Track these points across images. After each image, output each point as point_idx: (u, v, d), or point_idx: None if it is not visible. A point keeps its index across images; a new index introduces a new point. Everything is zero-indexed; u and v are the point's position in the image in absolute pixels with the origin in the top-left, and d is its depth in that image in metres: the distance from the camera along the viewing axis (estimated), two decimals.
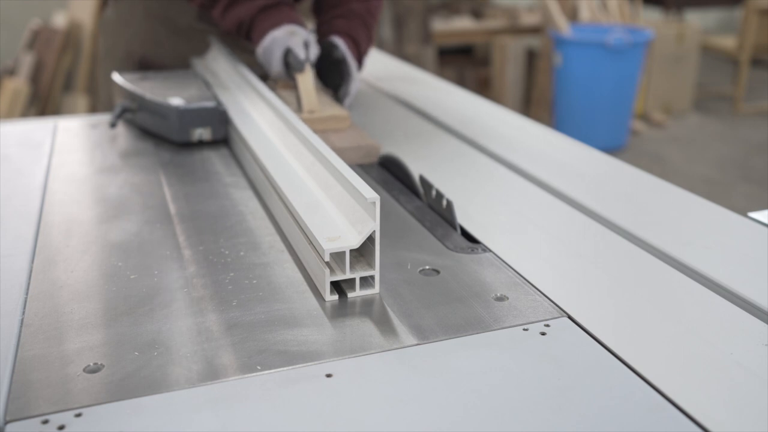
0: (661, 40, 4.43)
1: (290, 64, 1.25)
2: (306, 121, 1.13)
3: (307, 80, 1.24)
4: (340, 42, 1.36)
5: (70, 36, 3.60)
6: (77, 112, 3.52)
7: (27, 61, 3.53)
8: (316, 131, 1.01)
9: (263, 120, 1.12)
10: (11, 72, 3.58)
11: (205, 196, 1.00)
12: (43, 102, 3.53)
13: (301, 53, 1.25)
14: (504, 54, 4.38)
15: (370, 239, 0.73)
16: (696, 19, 5.13)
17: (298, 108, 1.22)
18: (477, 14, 4.59)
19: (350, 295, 0.74)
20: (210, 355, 0.64)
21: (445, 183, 1.03)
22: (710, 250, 0.85)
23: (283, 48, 1.25)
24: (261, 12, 1.30)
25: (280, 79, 1.32)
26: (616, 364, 0.63)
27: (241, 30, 1.32)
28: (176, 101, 1.18)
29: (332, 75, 1.35)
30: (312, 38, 1.29)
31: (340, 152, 1.01)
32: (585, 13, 4.26)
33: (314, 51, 1.28)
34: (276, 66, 1.28)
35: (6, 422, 0.55)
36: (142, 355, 0.64)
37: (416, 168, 1.07)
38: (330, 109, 1.24)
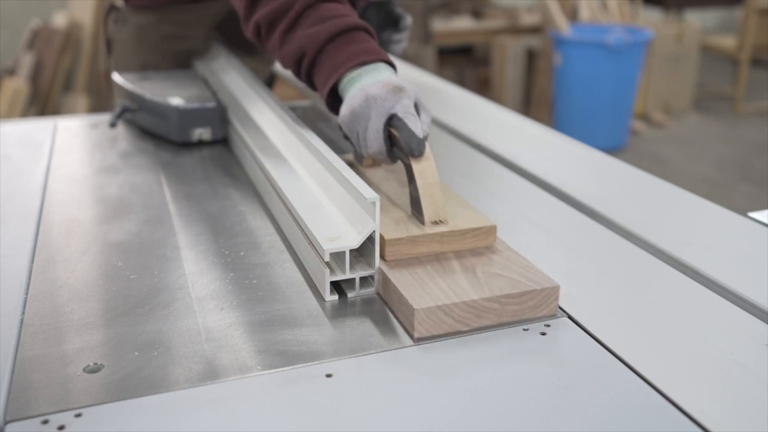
0: (660, 40, 4.43)
1: (401, 143, 0.80)
2: (429, 238, 0.76)
3: (428, 170, 0.80)
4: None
5: (70, 36, 3.60)
6: (77, 112, 3.52)
7: (27, 61, 3.53)
8: (444, 254, 0.76)
9: (263, 120, 1.11)
10: (11, 72, 3.58)
11: (205, 196, 1.00)
12: (43, 102, 3.53)
13: (417, 127, 0.81)
14: (504, 54, 4.38)
15: (370, 239, 0.73)
16: (696, 19, 5.13)
17: (415, 213, 0.80)
18: (477, 14, 4.59)
19: (350, 294, 0.74)
20: (210, 355, 0.64)
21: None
22: (710, 250, 0.85)
23: (385, 115, 0.82)
24: (331, 42, 0.89)
25: (375, 159, 0.87)
26: (616, 364, 0.63)
27: (301, 67, 0.92)
28: (176, 101, 1.18)
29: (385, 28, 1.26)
30: (420, 98, 0.87)
31: (497, 302, 0.68)
32: (585, 12, 4.26)
33: (427, 118, 0.87)
34: (375, 143, 0.83)
35: (6, 422, 0.55)
36: (142, 355, 0.64)
37: None
38: (466, 216, 0.80)
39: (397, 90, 0.83)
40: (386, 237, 0.74)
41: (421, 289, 0.69)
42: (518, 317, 0.70)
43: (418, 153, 0.79)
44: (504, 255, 0.76)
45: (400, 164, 0.85)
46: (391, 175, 0.93)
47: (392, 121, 0.82)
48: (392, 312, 0.72)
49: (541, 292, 0.70)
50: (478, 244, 0.78)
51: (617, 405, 0.58)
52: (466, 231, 0.77)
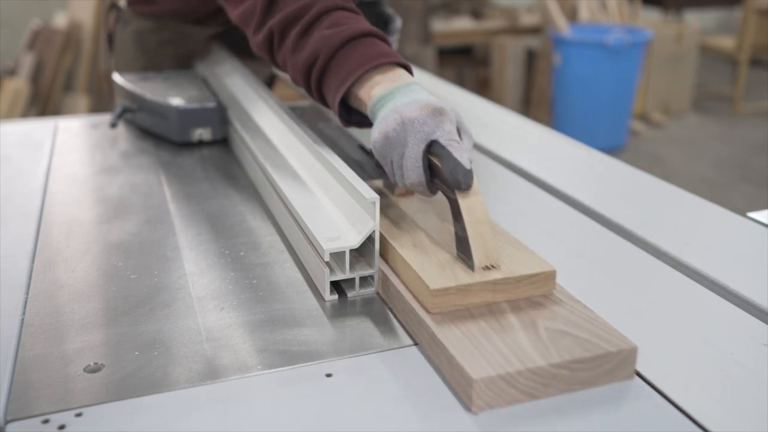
0: (660, 41, 4.43)
1: (445, 175, 0.71)
2: (480, 286, 0.66)
3: (477, 206, 0.70)
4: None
5: (71, 36, 3.60)
6: (77, 112, 3.52)
7: (27, 61, 3.53)
8: (497, 303, 0.66)
9: (263, 120, 1.12)
10: (12, 72, 3.58)
11: (205, 196, 1.00)
12: (43, 102, 3.53)
13: (462, 156, 0.72)
14: (503, 54, 4.38)
15: (370, 239, 0.74)
16: (695, 20, 5.13)
17: (461, 255, 0.70)
18: (476, 14, 4.59)
19: (350, 294, 0.74)
20: (210, 355, 0.64)
21: None
22: (710, 250, 0.85)
23: (425, 141, 0.73)
24: (345, 45, 0.82)
25: (413, 189, 0.77)
26: None
27: (312, 74, 0.85)
28: (176, 101, 1.19)
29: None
30: (462, 121, 0.78)
31: (567, 368, 0.58)
32: (584, 13, 4.26)
33: (469, 143, 0.78)
34: (414, 173, 0.74)
35: (6, 422, 0.55)
36: (142, 354, 0.64)
37: None
38: (520, 259, 0.70)
39: (437, 113, 0.74)
40: (432, 286, 0.64)
41: (477, 352, 0.59)
42: (589, 385, 0.59)
43: (465, 186, 0.69)
44: (567, 306, 0.66)
45: (438, 194, 0.76)
46: (428, 206, 0.83)
47: (433, 148, 0.73)
48: (392, 313, 0.72)
49: (618, 355, 0.60)
50: (535, 291, 0.68)
51: (617, 405, 0.58)
52: (522, 277, 0.67)
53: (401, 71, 0.81)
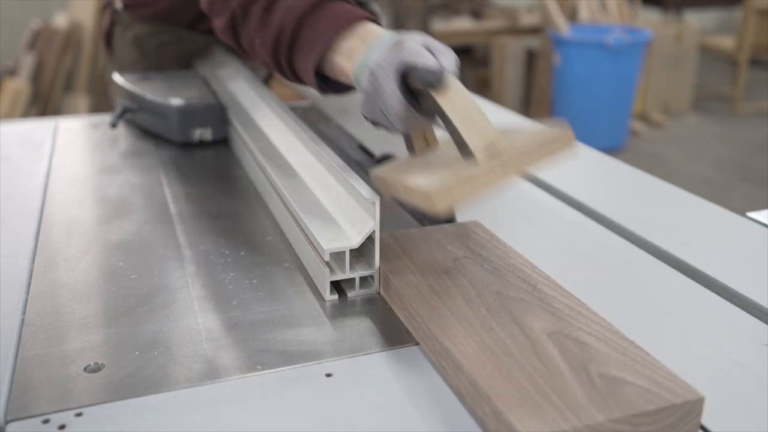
0: (659, 41, 4.43)
1: (419, 85, 0.70)
2: (485, 169, 0.64)
3: (458, 98, 0.67)
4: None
5: (71, 36, 3.60)
6: (78, 112, 3.52)
7: (28, 62, 3.53)
8: (543, 346, 0.59)
9: (264, 120, 1.12)
10: (12, 72, 3.58)
11: (205, 196, 1.00)
12: (43, 102, 3.53)
13: (429, 60, 0.71)
14: (503, 54, 4.38)
15: (370, 239, 0.74)
16: (695, 20, 5.13)
17: (461, 149, 0.66)
18: (476, 14, 4.59)
19: (350, 294, 0.74)
20: (210, 355, 0.64)
21: None
22: (709, 250, 0.85)
23: (393, 72, 0.71)
24: (310, 13, 0.80)
25: (412, 131, 0.78)
26: None
27: (280, 49, 0.82)
28: (176, 101, 1.19)
29: None
30: (433, 41, 0.75)
31: (628, 423, 0.52)
32: (584, 13, 4.26)
33: (449, 56, 0.74)
34: (396, 104, 0.72)
35: (7, 422, 0.55)
36: (142, 354, 0.64)
37: None
38: (528, 131, 0.69)
39: (397, 44, 0.73)
40: (432, 191, 0.62)
41: (527, 405, 0.52)
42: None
43: (437, 83, 0.66)
44: (619, 348, 0.60)
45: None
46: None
47: (407, 70, 0.71)
48: (393, 313, 0.72)
49: (683, 406, 0.53)
50: (553, 151, 0.65)
51: None
52: (529, 142, 0.64)
53: (372, 26, 0.79)
